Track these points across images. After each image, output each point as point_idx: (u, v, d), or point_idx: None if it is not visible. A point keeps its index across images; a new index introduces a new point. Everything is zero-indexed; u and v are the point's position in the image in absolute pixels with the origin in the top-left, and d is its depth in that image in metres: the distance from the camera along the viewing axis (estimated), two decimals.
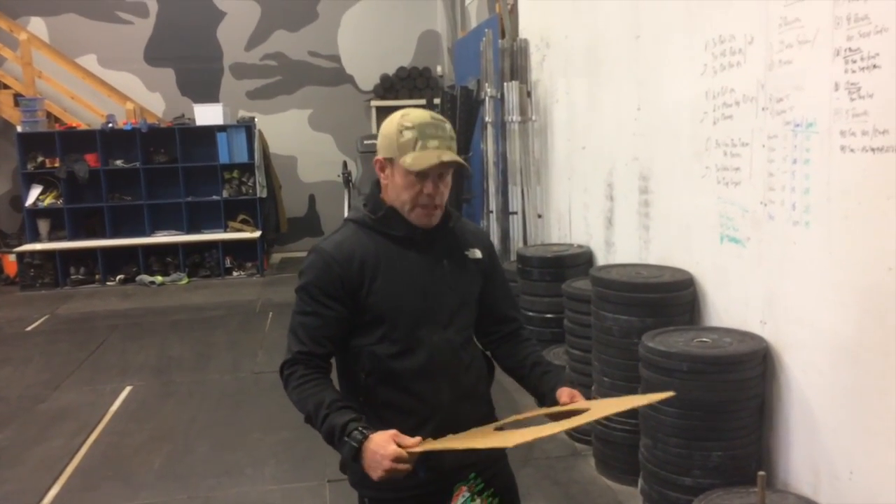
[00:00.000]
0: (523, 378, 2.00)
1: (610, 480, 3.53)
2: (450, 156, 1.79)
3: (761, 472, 2.60)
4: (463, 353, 1.91)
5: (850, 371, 2.55)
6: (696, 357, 2.90)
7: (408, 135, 1.79)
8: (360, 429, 1.64)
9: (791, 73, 2.78)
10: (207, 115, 8.93)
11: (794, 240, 2.81)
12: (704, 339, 3.08)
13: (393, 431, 1.63)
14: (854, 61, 2.44)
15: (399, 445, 1.59)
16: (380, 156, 1.86)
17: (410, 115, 1.83)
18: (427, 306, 1.85)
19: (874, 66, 2.35)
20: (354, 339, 1.85)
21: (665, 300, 3.46)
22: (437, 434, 1.73)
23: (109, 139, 8.85)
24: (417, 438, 1.62)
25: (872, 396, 2.45)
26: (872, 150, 2.37)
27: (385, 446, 1.59)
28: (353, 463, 1.68)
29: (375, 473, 1.59)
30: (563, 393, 1.84)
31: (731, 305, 3.32)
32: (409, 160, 1.78)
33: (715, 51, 3.32)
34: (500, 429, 1.83)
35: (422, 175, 1.79)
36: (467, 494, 1.78)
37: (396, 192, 1.84)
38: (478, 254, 1.98)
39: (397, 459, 1.57)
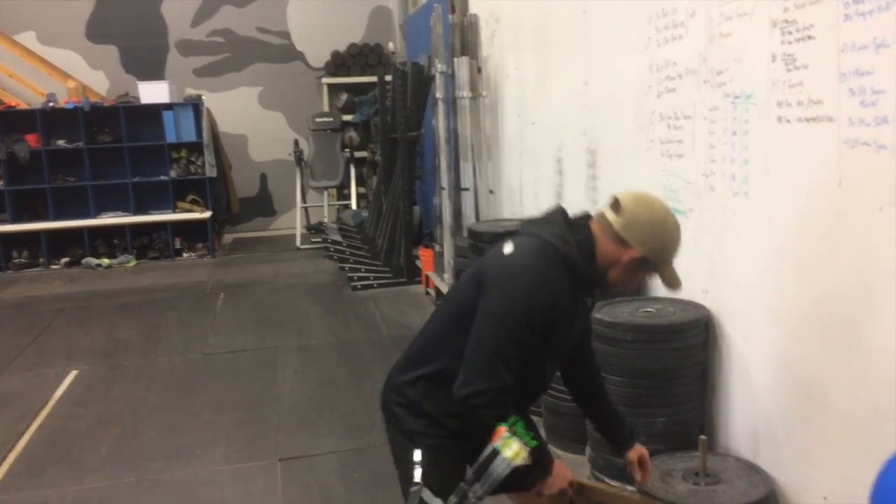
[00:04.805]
0: (593, 411, 2.30)
1: (559, 449, 3.57)
2: None
3: (702, 437, 2.67)
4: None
5: (787, 337, 2.62)
6: (640, 326, 2.95)
7: (677, 251, 2.01)
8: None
9: (730, 45, 2.81)
10: (152, 93, 8.70)
11: (734, 210, 2.86)
12: (649, 309, 3.14)
13: (562, 462, 2.05)
14: (790, 33, 2.48)
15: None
16: (642, 251, 1.92)
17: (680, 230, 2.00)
18: (572, 347, 2.11)
19: (809, 38, 2.40)
20: None
21: None
22: None
23: (51, 119, 8.57)
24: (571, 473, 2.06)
25: (807, 361, 2.52)
26: (807, 120, 2.42)
27: (566, 473, 2.03)
28: (414, 420, 2.01)
29: (552, 489, 2.00)
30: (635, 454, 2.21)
31: None
32: (667, 274, 1.98)
33: (658, 24, 3.35)
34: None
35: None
36: (506, 434, 1.84)
37: (623, 272, 1.96)
38: (590, 301, 2.14)
39: (570, 483, 2.04)
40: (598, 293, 2.09)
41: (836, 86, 2.27)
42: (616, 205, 1.94)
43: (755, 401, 2.84)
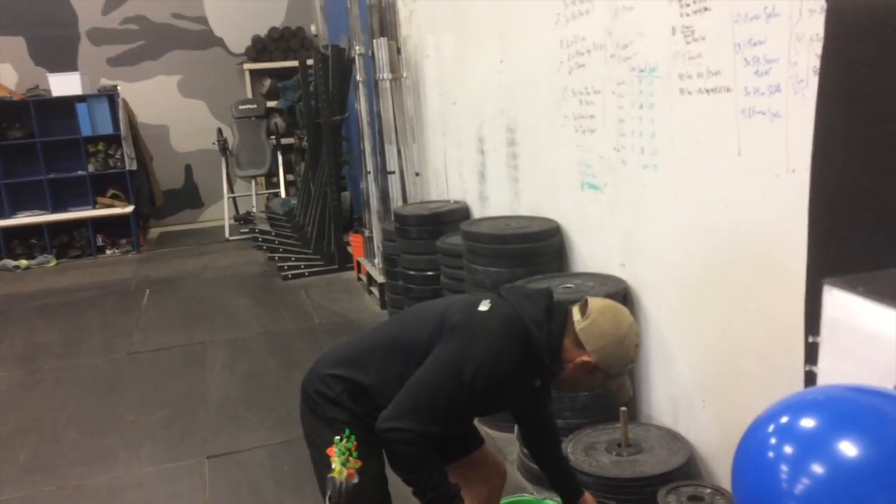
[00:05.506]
0: (546, 467, 2.32)
1: (488, 428, 3.60)
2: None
3: (623, 408, 2.72)
4: None
5: (698, 305, 2.68)
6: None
7: (630, 367, 2.02)
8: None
9: (634, 19, 2.83)
10: (64, 85, 8.34)
11: (644, 183, 2.89)
12: (569, 285, 3.16)
13: None
14: (688, 5, 2.50)
15: None
16: (595, 359, 1.93)
17: (637, 351, 2.03)
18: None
19: (705, 9, 2.42)
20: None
21: (532, 250, 3.52)
22: None
23: None
24: None
25: (718, 327, 2.58)
26: (707, 91, 2.45)
27: None
28: (334, 408, 2.02)
29: None
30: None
31: (594, 250, 3.42)
32: (616, 386, 2.02)
33: None
34: None
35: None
36: (333, 454, 1.93)
37: (578, 377, 1.98)
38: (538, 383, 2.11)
39: None
40: (551, 383, 2.11)
41: (732, 56, 2.31)
42: (584, 307, 1.98)
43: (673, 369, 2.89)
